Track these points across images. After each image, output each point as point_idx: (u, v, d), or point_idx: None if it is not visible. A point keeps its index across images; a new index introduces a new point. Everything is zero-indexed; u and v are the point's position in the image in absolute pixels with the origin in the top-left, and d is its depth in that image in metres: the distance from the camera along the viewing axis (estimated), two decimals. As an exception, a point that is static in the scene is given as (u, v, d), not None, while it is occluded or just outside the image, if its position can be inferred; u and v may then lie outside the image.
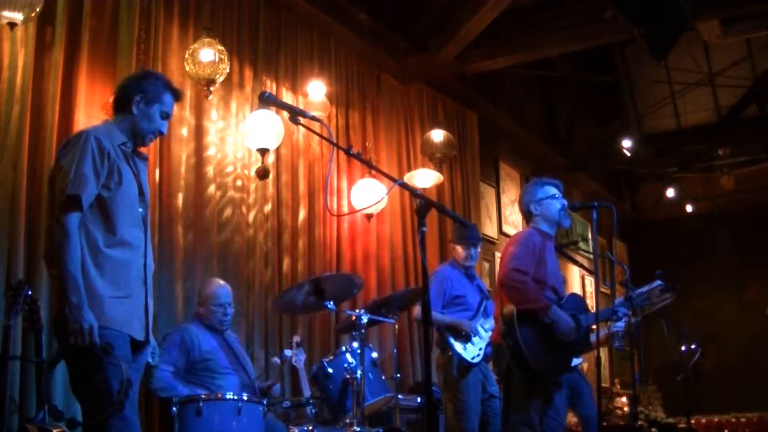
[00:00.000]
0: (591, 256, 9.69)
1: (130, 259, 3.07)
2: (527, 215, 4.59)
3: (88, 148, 2.98)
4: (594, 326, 4.56)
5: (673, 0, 6.10)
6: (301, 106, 5.77)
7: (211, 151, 5.38)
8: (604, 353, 10.80)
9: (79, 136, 3.07)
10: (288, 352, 5.01)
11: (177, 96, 3.28)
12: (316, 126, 3.11)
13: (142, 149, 3.30)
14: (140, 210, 3.14)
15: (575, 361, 6.31)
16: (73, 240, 2.89)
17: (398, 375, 5.04)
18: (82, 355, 2.89)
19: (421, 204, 2.77)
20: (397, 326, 5.62)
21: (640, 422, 9.73)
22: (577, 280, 10.68)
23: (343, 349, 4.63)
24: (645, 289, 4.75)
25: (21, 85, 4.19)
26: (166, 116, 3.22)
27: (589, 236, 10.54)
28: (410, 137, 7.48)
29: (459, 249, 5.70)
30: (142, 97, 3.17)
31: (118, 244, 3.02)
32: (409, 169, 7.27)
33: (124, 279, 3.04)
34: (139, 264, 3.11)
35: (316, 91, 6.13)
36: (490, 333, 5.37)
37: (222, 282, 4.71)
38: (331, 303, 4.48)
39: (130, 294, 3.05)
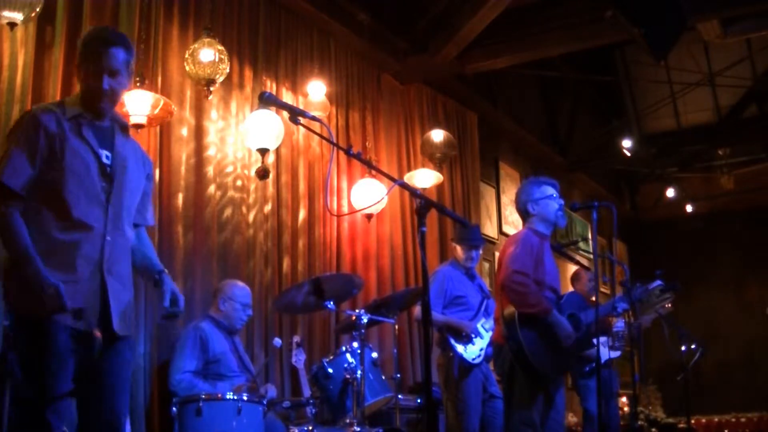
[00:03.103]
0: (591, 256, 9.69)
1: (81, 240, 2.75)
2: (524, 214, 4.60)
3: (23, 130, 2.79)
4: (604, 322, 4.57)
5: (673, 0, 6.09)
6: (301, 106, 5.77)
7: (211, 151, 5.38)
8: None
9: (21, 118, 2.90)
10: (278, 342, 5.00)
11: (107, 40, 2.90)
12: (316, 126, 3.11)
13: (130, 120, 3.11)
14: (103, 184, 2.83)
15: (612, 354, 6.32)
16: (11, 227, 2.69)
17: (398, 375, 5.04)
18: (18, 346, 2.71)
19: (421, 204, 2.77)
20: (397, 326, 5.63)
21: (640, 422, 9.74)
22: (577, 280, 10.67)
23: (343, 349, 4.63)
24: (644, 286, 4.76)
25: (21, 85, 4.18)
26: (99, 70, 2.85)
27: (589, 236, 10.54)
28: (410, 137, 7.48)
29: (460, 250, 5.70)
30: (78, 60, 2.93)
31: (69, 226, 2.75)
32: (409, 169, 7.28)
33: (70, 262, 2.73)
34: (94, 245, 2.78)
35: (316, 91, 6.13)
36: (491, 333, 5.37)
37: (245, 285, 4.88)
38: (331, 303, 4.47)
39: (77, 278, 2.74)
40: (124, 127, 3.01)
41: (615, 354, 6.32)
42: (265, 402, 4.20)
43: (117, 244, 2.85)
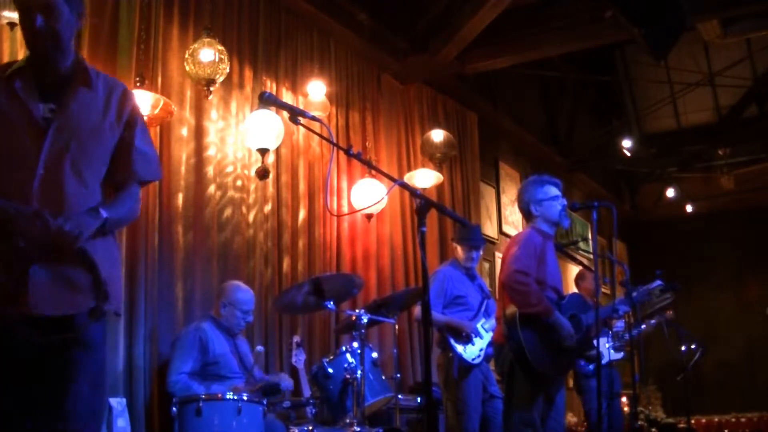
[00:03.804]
0: (591, 256, 9.70)
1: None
2: (527, 214, 4.59)
3: None
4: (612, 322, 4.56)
5: (673, 0, 6.10)
6: (301, 106, 5.77)
7: (211, 151, 5.38)
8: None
9: None
10: (260, 348, 4.93)
11: None
12: (316, 126, 3.10)
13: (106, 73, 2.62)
14: (33, 142, 2.38)
15: (615, 356, 6.34)
16: None
17: (398, 375, 5.04)
18: None
19: (421, 204, 2.77)
20: (397, 326, 5.62)
21: (640, 422, 9.74)
22: (577, 280, 10.68)
23: (343, 349, 4.63)
24: (645, 287, 4.76)
25: (21, 85, 4.18)
26: (28, 9, 2.41)
27: (589, 236, 10.54)
28: (410, 137, 7.48)
29: (460, 250, 5.70)
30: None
31: None
32: (409, 169, 7.28)
33: None
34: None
35: (316, 91, 6.13)
36: (491, 333, 5.37)
37: (249, 289, 4.81)
38: (331, 303, 4.47)
39: None
40: (84, 72, 2.52)
41: (618, 355, 6.32)
42: (265, 401, 4.20)
43: (50, 209, 2.32)
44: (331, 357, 4.67)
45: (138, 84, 4.62)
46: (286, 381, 4.70)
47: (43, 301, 2.30)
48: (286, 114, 3.02)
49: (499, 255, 8.18)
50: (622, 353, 6.36)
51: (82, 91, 2.49)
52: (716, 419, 11.63)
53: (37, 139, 2.38)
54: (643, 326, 6.53)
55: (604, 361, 6.08)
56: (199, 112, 5.33)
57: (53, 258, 2.32)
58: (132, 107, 2.61)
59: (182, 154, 5.13)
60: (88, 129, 2.48)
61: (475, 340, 5.43)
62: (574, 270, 10.45)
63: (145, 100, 4.57)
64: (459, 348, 5.37)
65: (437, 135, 7.28)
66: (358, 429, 4.22)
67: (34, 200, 2.33)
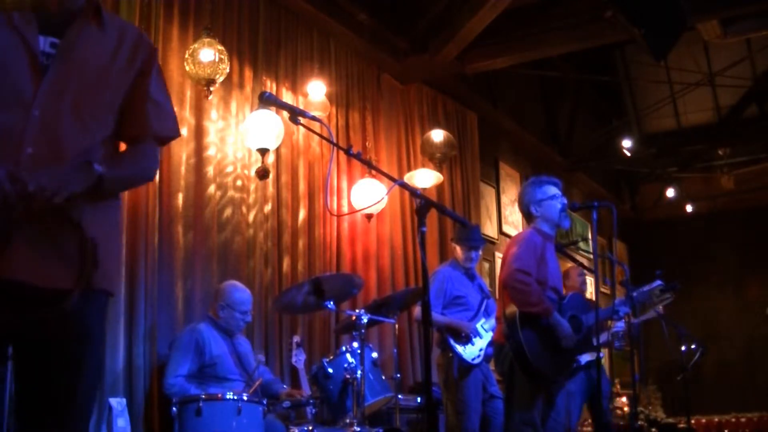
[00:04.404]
0: (591, 256, 9.69)
1: None
2: (527, 216, 4.60)
3: None
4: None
5: (673, 0, 6.10)
6: (301, 106, 5.77)
7: (211, 151, 5.38)
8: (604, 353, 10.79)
9: None
10: (261, 357, 4.95)
11: None
12: (316, 126, 3.11)
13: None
14: (30, 79, 2.09)
15: (592, 357, 6.33)
16: None
17: (398, 375, 5.04)
18: None
19: (421, 204, 2.77)
20: (397, 326, 5.63)
21: (640, 422, 9.74)
22: (577, 280, 10.67)
23: (343, 349, 4.63)
24: (645, 288, 4.76)
25: (21, 85, 4.17)
26: None
27: (589, 236, 10.54)
28: (410, 137, 7.48)
29: (459, 250, 5.70)
30: None
31: None
32: (409, 169, 7.28)
33: None
34: (4, 160, 1.99)
35: (316, 91, 6.13)
36: (491, 333, 5.37)
37: (246, 288, 4.80)
38: (331, 303, 4.48)
39: None
40: (95, 9, 2.24)
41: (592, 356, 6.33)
42: (265, 401, 4.20)
43: (44, 156, 2.04)
44: (331, 357, 4.67)
45: (138, 84, 4.62)
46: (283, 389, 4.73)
47: (22, 266, 1.97)
48: (286, 114, 3.02)
49: (499, 255, 8.19)
50: (601, 353, 6.36)
51: (90, 27, 2.21)
52: (716, 419, 11.62)
53: (36, 76, 2.09)
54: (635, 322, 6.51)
55: (582, 362, 6.08)
56: (199, 112, 5.33)
57: (35, 220, 1.98)
58: (147, 53, 2.31)
59: (182, 154, 5.13)
60: (95, 69, 2.18)
61: (474, 340, 5.43)
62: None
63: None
64: (459, 348, 5.37)
65: (437, 135, 7.28)
66: (358, 429, 4.22)
67: (25, 145, 2.02)
